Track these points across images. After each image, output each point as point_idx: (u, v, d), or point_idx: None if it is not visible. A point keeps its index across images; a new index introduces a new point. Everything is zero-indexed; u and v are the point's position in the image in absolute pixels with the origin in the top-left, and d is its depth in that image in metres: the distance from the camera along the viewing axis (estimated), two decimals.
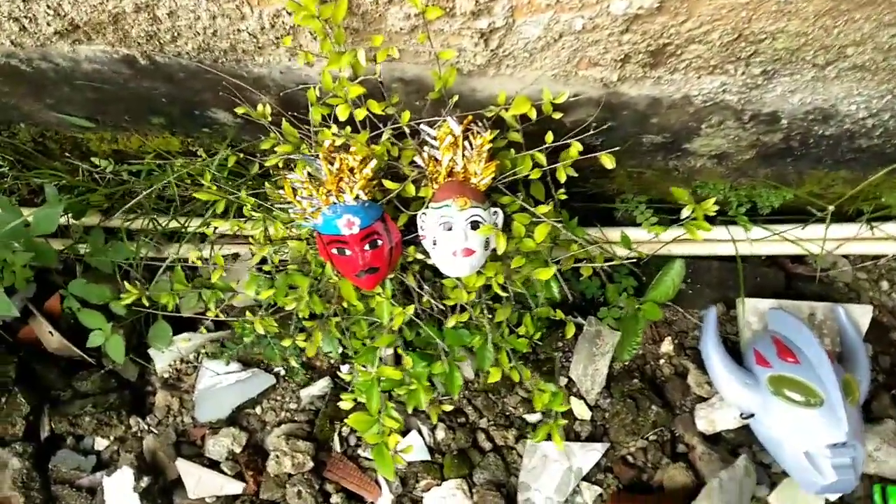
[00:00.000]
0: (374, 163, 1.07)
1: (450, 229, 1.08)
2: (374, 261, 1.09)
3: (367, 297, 1.26)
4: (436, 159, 1.12)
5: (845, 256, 1.72)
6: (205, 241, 1.62)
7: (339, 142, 1.09)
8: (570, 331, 1.37)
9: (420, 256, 1.19)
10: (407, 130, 1.15)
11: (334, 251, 1.09)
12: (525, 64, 1.14)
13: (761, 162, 1.45)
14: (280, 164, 1.26)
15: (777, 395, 1.40)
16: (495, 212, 1.13)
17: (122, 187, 1.68)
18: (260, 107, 1.27)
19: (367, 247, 1.08)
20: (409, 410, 1.30)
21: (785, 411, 1.38)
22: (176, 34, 1.14)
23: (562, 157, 1.18)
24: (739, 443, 1.52)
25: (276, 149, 1.27)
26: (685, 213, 0.99)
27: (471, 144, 1.11)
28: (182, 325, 1.72)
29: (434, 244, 1.11)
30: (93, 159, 1.69)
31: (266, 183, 1.34)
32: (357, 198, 1.09)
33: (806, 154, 1.40)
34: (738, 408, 1.47)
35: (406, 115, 1.13)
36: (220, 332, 1.72)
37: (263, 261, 1.37)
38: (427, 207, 1.14)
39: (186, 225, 1.62)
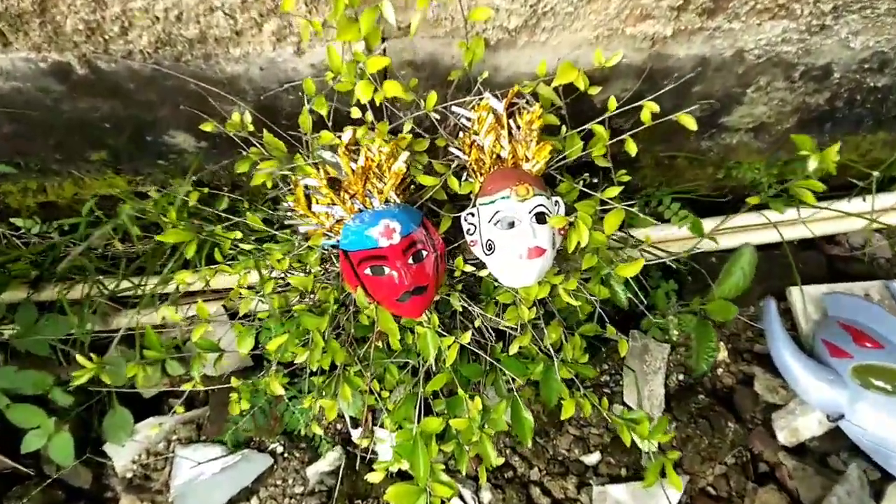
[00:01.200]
0: (405, 156, 0.84)
1: (511, 226, 0.86)
2: (420, 277, 0.85)
3: (403, 331, 1.00)
4: (477, 145, 0.90)
5: (878, 231, 1.60)
6: (165, 302, 1.31)
7: (360, 132, 0.85)
8: (624, 348, 1.15)
9: (469, 269, 0.94)
10: (435, 117, 0.93)
11: (368, 272, 0.84)
12: (565, 24, 0.95)
13: (798, 131, 1.31)
14: (269, 184, 1.00)
15: (866, 387, 1.22)
16: (556, 201, 0.91)
17: (53, 252, 1.37)
18: (236, 115, 1.02)
19: (410, 260, 0.84)
20: (463, 472, 1.03)
21: (879, 404, 1.21)
22: (127, 23, 0.88)
23: (595, 144, 0.98)
24: (826, 451, 1.32)
25: (258, 166, 1.02)
26: (812, 165, 0.80)
27: (516, 123, 0.91)
28: (143, 409, 1.38)
29: (490, 249, 0.88)
30: (13, 219, 1.36)
31: (249, 214, 1.07)
32: (387, 202, 0.85)
33: (847, 116, 1.28)
34: (823, 410, 1.28)
35: (432, 98, 0.91)
36: (195, 410, 1.40)
37: (245, 315, 1.10)
38: (474, 206, 0.91)
39: (142, 283, 1.32)
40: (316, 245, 0.89)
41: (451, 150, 0.91)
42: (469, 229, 0.91)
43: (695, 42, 1.02)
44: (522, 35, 0.96)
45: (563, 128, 0.97)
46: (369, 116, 0.88)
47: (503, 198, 0.86)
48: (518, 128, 0.90)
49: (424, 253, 0.86)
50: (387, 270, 0.83)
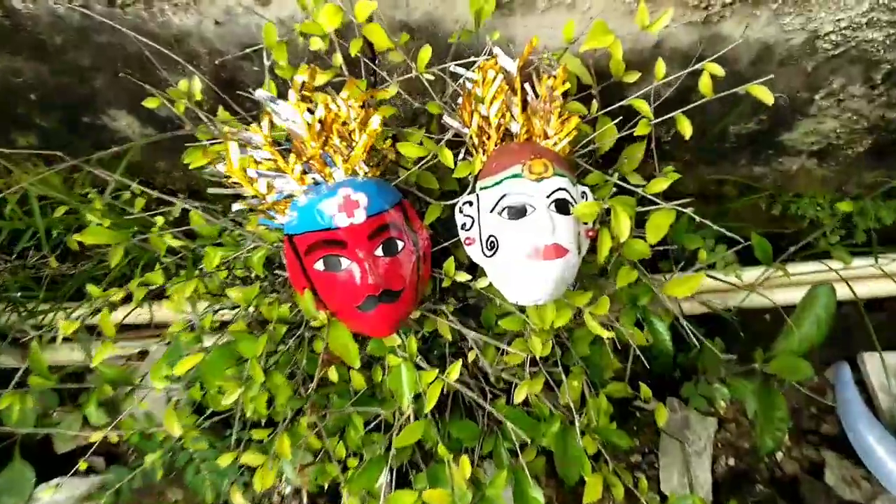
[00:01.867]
0: (377, 119, 0.61)
1: (522, 214, 0.62)
2: (392, 277, 0.60)
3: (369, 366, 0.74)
4: (481, 114, 0.67)
5: None
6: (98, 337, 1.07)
7: (321, 79, 0.63)
8: (662, 417, 0.89)
9: (464, 277, 0.69)
10: (429, 79, 0.71)
11: (319, 265, 0.60)
12: None
13: (872, 159, 1.09)
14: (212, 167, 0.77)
15: None
16: (583, 192, 0.68)
17: None
18: (183, 83, 0.81)
19: (379, 251, 0.60)
20: None
21: None
22: None
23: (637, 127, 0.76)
24: None
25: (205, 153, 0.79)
26: None
27: (535, 91, 0.69)
28: (54, 467, 1.10)
29: (492, 247, 0.64)
30: None
31: (193, 213, 0.84)
32: (355, 174, 0.62)
33: None
34: None
35: (425, 54, 0.70)
36: (110, 472, 1.11)
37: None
38: (473, 192, 0.68)
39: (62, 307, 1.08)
40: (252, 233, 0.66)
41: (446, 120, 0.68)
42: (465, 223, 0.67)
43: (759, 19, 0.82)
44: None
45: (594, 105, 0.75)
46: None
47: (513, 176, 0.63)
48: (536, 96, 0.68)
49: (400, 244, 0.61)
50: (344, 263, 0.59)
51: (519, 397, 0.71)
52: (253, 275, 0.75)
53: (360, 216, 0.58)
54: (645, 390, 0.89)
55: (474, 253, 0.66)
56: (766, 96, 0.68)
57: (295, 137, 0.60)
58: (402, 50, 0.69)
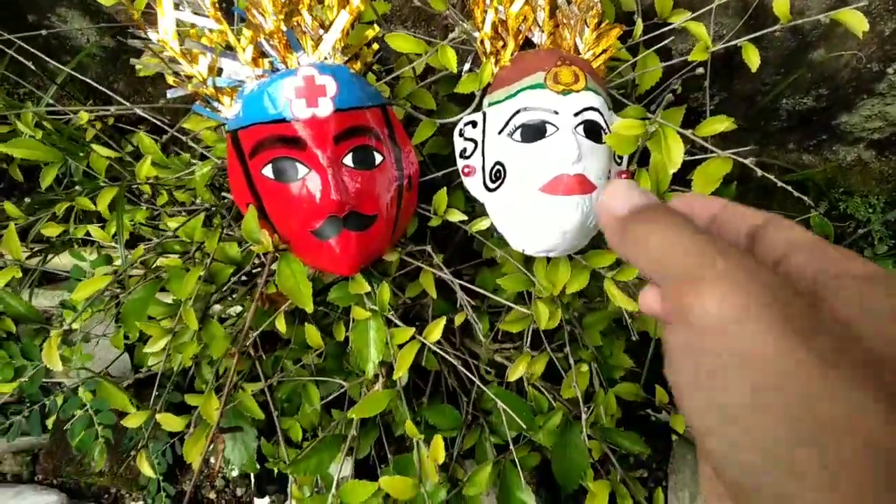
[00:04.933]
0: None
1: (539, 135, 0.48)
2: (364, 197, 0.46)
3: (326, 312, 0.59)
4: (497, 16, 0.53)
5: None
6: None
7: None
8: (680, 425, 0.76)
9: (457, 217, 0.54)
10: None
11: (268, 171, 0.45)
12: None
13: None
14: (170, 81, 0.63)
15: None
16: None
17: None
18: None
19: (348, 159, 0.45)
20: None
21: None
22: None
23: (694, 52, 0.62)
24: None
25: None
26: None
27: None
28: None
29: (497, 178, 0.49)
30: None
31: (139, 133, 0.70)
32: (325, 60, 0.48)
33: None
34: None
35: None
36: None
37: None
38: (479, 110, 0.54)
39: None
40: (204, 138, 0.51)
41: (452, 20, 0.54)
42: (465, 148, 0.53)
43: None
44: None
45: (638, 27, 0.61)
46: None
47: (533, 87, 0.49)
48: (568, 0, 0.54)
49: (378, 157, 0.47)
50: (301, 170, 0.44)
51: (514, 375, 0.56)
52: (197, 201, 0.61)
53: (325, 107, 0.44)
54: (661, 393, 0.75)
55: (474, 186, 0.52)
56: (860, 23, 0.53)
57: (253, 5, 0.46)
58: None
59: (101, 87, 0.76)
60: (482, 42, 0.54)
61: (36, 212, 0.75)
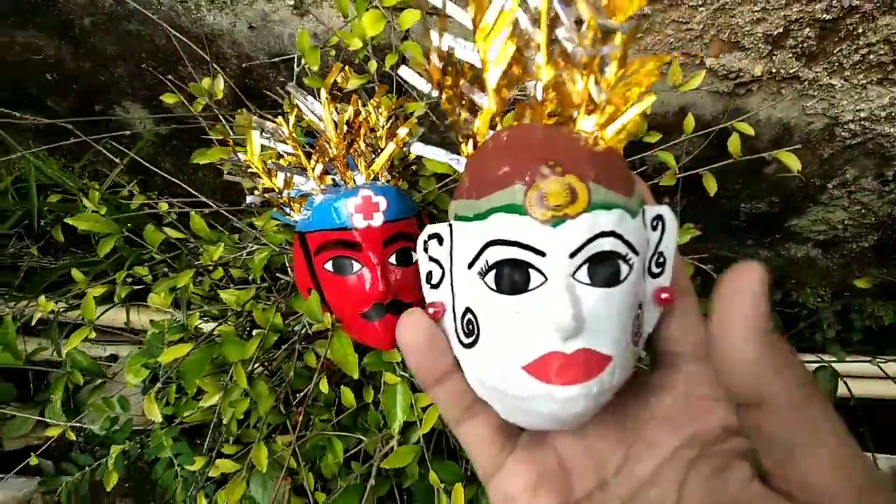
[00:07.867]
0: (405, 130, 0.60)
1: (522, 286, 0.29)
2: (404, 288, 0.57)
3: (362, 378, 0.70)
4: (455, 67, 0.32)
5: None
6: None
7: (353, 83, 0.63)
8: None
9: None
10: None
11: (329, 266, 0.57)
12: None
13: (876, 256, 1.10)
14: (226, 169, 0.76)
15: None
16: (657, 216, 0.31)
17: None
18: (206, 81, 0.81)
19: (392, 259, 0.57)
20: None
21: None
22: None
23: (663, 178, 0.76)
24: None
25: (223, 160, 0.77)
26: None
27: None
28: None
29: (470, 330, 0.31)
30: None
31: (192, 214, 0.81)
32: (375, 179, 0.60)
33: None
34: None
35: None
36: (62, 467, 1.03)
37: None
38: (447, 221, 0.35)
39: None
40: (259, 230, 0.63)
41: (403, 71, 0.35)
42: (430, 273, 0.34)
43: (783, 97, 0.84)
44: None
45: None
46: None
47: (508, 208, 0.29)
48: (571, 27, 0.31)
49: (415, 256, 0.59)
50: (356, 267, 0.56)
51: None
52: (250, 278, 0.72)
53: (377, 219, 0.56)
54: None
55: (446, 327, 0.33)
56: (793, 162, 0.68)
57: (320, 135, 0.59)
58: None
59: (152, 168, 0.87)
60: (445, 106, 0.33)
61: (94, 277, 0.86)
